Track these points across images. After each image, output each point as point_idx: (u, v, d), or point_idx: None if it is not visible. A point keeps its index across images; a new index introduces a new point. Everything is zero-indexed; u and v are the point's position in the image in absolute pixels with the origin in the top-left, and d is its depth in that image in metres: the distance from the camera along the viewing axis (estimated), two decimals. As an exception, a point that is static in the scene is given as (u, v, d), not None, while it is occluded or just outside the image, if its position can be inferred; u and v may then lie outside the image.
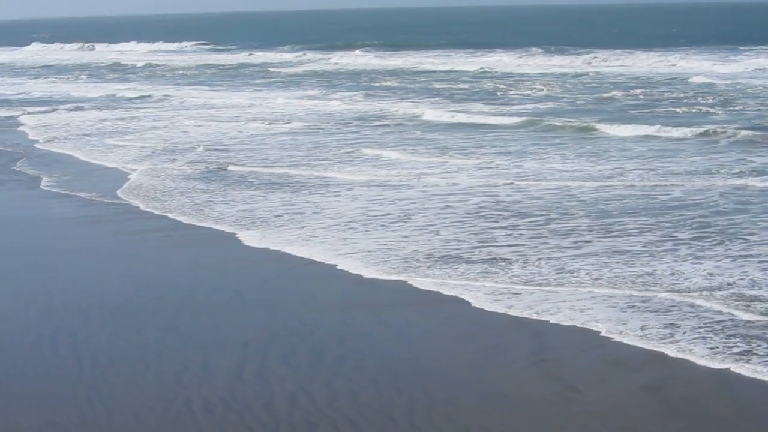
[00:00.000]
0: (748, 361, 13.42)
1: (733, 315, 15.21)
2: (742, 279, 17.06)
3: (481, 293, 16.95)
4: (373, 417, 12.22)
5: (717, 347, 13.95)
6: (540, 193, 25.15)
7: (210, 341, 15.04)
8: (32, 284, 18.64)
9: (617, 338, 14.60)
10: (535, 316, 15.74)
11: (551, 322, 15.42)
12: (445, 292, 17.21)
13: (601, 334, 14.77)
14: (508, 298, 16.68)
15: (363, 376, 13.47)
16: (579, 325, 15.18)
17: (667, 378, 13.14)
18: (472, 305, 16.45)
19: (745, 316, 15.11)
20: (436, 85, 59.45)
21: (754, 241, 19.69)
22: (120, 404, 12.72)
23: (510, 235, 20.86)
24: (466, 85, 58.94)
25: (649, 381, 13.03)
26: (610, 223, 21.54)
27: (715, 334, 14.43)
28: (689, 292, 16.44)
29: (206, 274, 19.00)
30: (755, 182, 25.40)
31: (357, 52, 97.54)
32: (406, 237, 21.03)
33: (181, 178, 29.43)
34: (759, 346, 13.95)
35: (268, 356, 14.30)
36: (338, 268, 19.02)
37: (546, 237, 20.53)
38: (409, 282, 17.88)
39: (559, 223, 21.67)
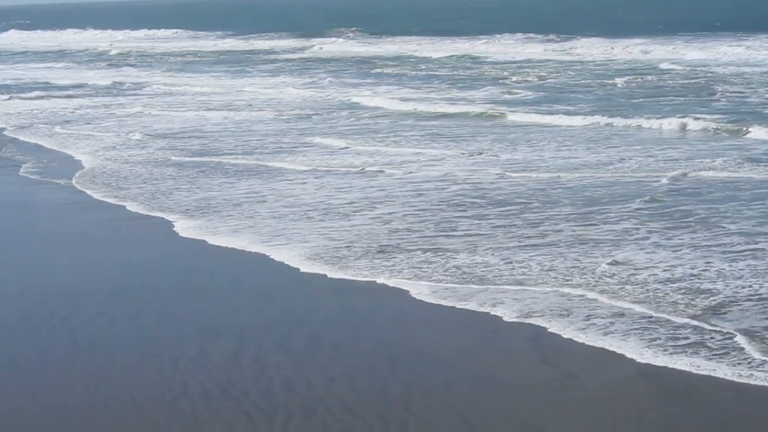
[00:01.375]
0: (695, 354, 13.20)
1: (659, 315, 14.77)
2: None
3: (413, 287, 16.52)
4: (369, 402, 12.16)
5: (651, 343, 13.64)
6: (527, 182, 24.65)
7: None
8: (24, 268, 18.68)
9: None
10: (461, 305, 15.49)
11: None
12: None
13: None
14: (435, 291, 16.29)
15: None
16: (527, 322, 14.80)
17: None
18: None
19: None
20: (439, 73, 58.67)
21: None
22: (116, 390, 12.71)
23: (477, 224, 20.41)
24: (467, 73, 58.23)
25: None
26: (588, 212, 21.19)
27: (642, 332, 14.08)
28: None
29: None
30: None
31: (340, 38, 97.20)
32: (354, 226, 20.59)
33: (148, 165, 29.31)
34: (686, 338, 13.75)
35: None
36: (268, 257, 18.70)
37: (510, 227, 20.03)
38: (326, 274, 17.51)
39: (534, 212, 21.23)
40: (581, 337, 13.97)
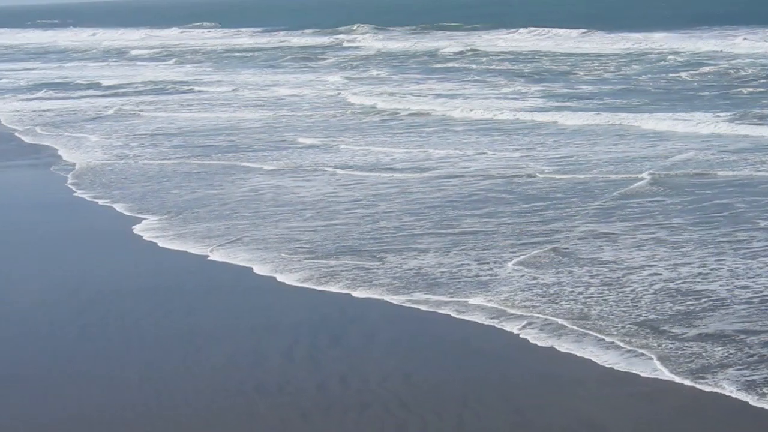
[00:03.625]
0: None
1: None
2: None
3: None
4: (424, 397, 12.28)
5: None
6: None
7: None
8: (72, 268, 18.91)
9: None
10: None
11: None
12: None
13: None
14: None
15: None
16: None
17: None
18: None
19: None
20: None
21: None
22: (171, 386, 12.90)
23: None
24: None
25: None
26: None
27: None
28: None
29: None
30: None
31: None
32: (324, 226, 20.65)
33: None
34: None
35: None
36: (208, 258, 18.86)
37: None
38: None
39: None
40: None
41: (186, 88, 52.60)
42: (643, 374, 12.60)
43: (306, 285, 16.89)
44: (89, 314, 16.04)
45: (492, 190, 23.62)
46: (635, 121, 33.43)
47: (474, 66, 59.98)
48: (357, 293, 16.29)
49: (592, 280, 16.28)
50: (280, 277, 17.38)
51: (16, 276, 18.67)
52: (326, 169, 27.31)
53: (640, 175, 24.39)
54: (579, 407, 11.84)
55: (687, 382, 12.26)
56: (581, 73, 52.78)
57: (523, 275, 16.70)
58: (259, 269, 17.89)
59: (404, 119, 37.20)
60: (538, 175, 25.20)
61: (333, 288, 16.66)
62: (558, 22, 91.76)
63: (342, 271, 17.44)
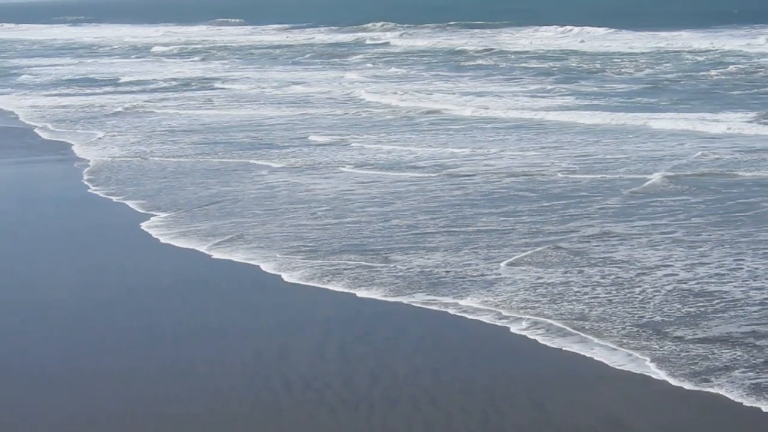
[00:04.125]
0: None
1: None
2: None
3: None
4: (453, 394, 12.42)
5: None
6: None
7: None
8: (77, 265, 19.04)
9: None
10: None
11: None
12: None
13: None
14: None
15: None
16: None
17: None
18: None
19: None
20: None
21: None
22: (200, 381, 13.07)
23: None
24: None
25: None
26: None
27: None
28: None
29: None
30: None
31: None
32: (332, 224, 20.70)
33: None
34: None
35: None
36: (213, 257, 18.96)
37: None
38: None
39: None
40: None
41: (210, 84, 52.79)
42: (655, 376, 12.62)
43: (309, 283, 17.01)
44: (101, 310, 16.20)
45: (513, 188, 23.68)
46: (663, 120, 33.43)
47: (503, 64, 60.02)
48: (361, 293, 16.34)
49: (602, 280, 16.26)
50: (288, 276, 17.46)
51: (22, 273, 18.73)
52: (345, 167, 27.41)
53: (664, 174, 24.35)
54: (602, 405, 11.95)
55: (686, 385, 12.29)
56: (610, 72, 52.75)
57: (531, 275, 16.73)
58: (267, 267, 17.96)
59: (430, 117, 37.26)
60: (559, 174, 25.24)
61: (335, 287, 16.76)
62: (583, 21, 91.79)
63: (345, 269, 17.50)
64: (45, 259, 19.45)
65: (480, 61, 62.51)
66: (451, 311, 15.30)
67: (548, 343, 13.82)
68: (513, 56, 65.10)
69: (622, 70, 53.36)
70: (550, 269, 16.97)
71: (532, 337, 14.07)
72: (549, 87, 45.90)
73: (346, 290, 16.50)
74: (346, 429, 11.67)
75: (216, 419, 11.93)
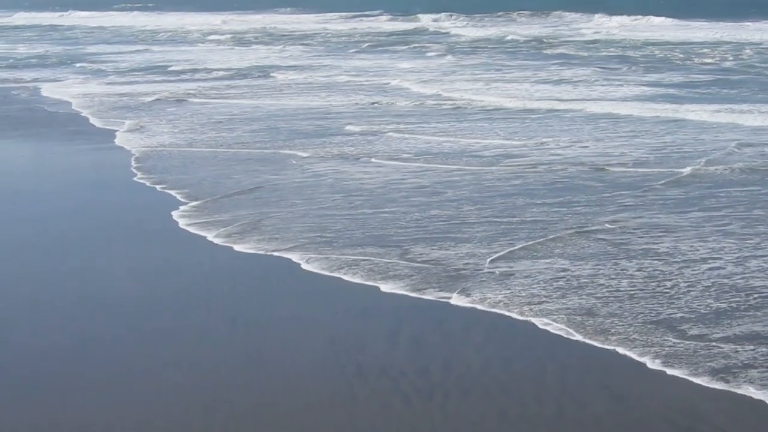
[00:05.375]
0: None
1: None
2: None
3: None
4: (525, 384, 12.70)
5: None
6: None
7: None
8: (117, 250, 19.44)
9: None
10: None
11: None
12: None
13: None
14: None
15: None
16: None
17: None
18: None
19: None
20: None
21: None
22: (272, 367, 13.46)
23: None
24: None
25: None
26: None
27: None
28: None
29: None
30: None
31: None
32: (365, 215, 20.78)
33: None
34: None
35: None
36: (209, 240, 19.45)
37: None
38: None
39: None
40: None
41: (271, 72, 52.89)
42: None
43: (325, 272, 17.31)
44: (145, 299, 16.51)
45: (578, 179, 23.63)
46: (749, 112, 33.20)
47: (584, 53, 59.35)
48: (385, 287, 16.46)
49: (636, 273, 16.28)
50: (305, 265, 17.70)
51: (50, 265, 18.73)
52: (403, 155, 27.36)
53: (736, 165, 24.35)
54: (683, 399, 12.11)
55: (706, 383, 12.45)
56: (696, 62, 52.31)
57: (559, 266, 16.87)
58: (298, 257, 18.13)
59: (509, 107, 36.80)
60: (630, 164, 25.16)
61: (353, 278, 16.97)
62: (648, 10, 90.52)
63: (362, 261, 17.63)
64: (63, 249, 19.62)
65: (561, 50, 61.88)
66: (479, 307, 15.38)
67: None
68: (589, 45, 64.69)
69: (705, 60, 52.78)
70: (580, 261, 17.02)
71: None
72: (635, 78, 45.39)
73: (363, 281, 16.71)
74: (420, 417, 11.91)
75: (291, 408, 12.23)
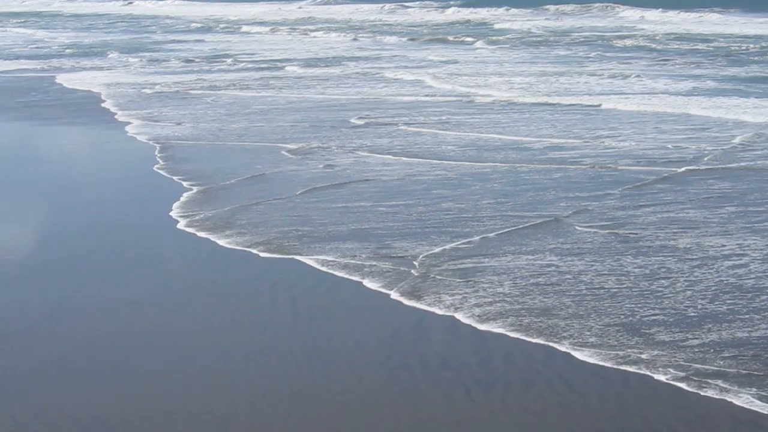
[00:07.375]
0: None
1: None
2: None
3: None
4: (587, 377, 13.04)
5: None
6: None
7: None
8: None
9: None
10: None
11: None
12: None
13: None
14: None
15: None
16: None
17: None
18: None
19: None
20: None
21: None
22: (335, 358, 13.91)
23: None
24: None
25: None
26: None
27: None
28: None
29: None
30: None
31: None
32: (364, 207, 21.13)
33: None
34: None
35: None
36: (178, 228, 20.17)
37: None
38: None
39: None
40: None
41: (318, 63, 53.58)
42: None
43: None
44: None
45: (624, 173, 23.70)
46: None
47: (654, 45, 59.04)
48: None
49: (635, 270, 16.60)
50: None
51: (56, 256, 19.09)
52: (449, 147, 27.59)
53: None
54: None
55: (685, 386, 12.67)
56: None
57: (540, 261, 17.29)
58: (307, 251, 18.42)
59: (574, 103, 36.30)
60: (686, 160, 25.16)
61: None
62: (704, 4, 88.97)
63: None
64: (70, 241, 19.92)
65: (628, 41, 61.69)
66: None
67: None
68: (659, 37, 64.05)
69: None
70: (581, 256, 17.35)
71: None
72: (711, 72, 45.10)
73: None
74: (481, 409, 12.26)
75: (352, 397, 12.65)
